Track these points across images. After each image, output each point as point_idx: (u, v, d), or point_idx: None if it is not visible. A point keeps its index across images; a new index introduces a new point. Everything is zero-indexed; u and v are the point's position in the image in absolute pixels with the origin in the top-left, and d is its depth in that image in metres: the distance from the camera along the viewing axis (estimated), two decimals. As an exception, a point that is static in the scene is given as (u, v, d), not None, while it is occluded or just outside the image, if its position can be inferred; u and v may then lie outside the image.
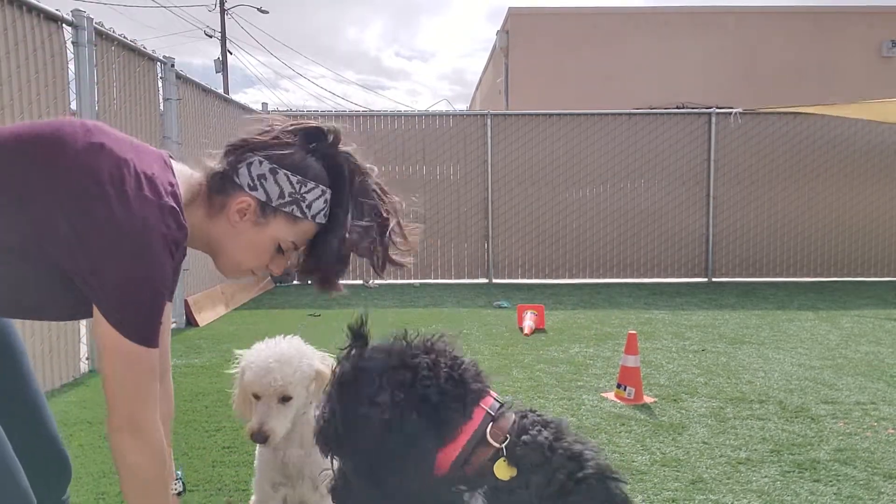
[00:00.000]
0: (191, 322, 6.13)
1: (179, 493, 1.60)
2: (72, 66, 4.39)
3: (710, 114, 9.43)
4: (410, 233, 1.47)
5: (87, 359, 4.57)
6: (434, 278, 9.61)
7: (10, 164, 1.19)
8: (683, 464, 2.89)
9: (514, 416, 1.33)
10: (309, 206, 1.35)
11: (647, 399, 3.81)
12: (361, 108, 11.12)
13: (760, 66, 14.06)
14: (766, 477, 2.75)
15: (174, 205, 1.24)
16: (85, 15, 4.47)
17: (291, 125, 1.39)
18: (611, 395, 3.88)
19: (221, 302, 6.99)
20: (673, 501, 2.53)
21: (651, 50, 14.14)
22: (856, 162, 9.48)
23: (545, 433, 1.26)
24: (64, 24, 4.30)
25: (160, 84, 5.85)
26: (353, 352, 1.30)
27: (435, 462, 1.23)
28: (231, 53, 27.13)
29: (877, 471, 2.80)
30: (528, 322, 5.79)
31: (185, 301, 6.10)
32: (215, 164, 1.38)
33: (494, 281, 9.54)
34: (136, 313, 1.18)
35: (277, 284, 9.26)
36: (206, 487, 2.64)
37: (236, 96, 35.77)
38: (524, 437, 1.26)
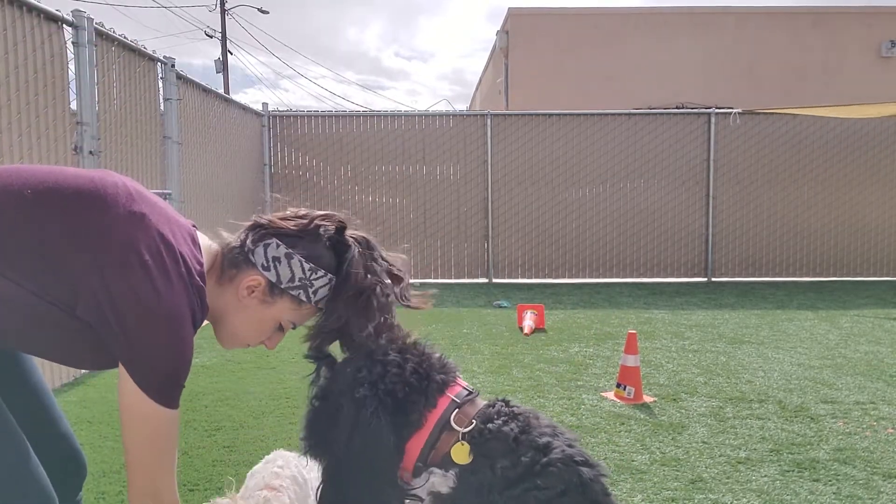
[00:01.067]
0: (191, 322, 6.13)
1: None
2: (72, 66, 4.39)
3: (709, 114, 9.43)
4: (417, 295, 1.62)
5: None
6: (434, 278, 9.61)
7: (47, 217, 1.21)
8: (683, 463, 2.89)
9: (482, 403, 1.39)
10: (315, 293, 1.42)
11: (647, 398, 3.81)
12: (362, 108, 11.12)
13: (760, 67, 14.06)
14: (765, 476, 2.76)
15: (202, 285, 1.31)
16: (85, 15, 4.47)
17: (308, 215, 1.47)
18: (610, 395, 3.88)
19: (221, 302, 6.98)
20: (672, 501, 2.53)
21: (651, 50, 14.14)
22: (855, 162, 9.49)
23: (511, 425, 1.31)
24: (64, 25, 4.30)
25: (160, 84, 5.85)
26: (322, 370, 1.42)
27: (397, 453, 1.30)
28: (231, 54, 27.12)
29: (876, 470, 2.80)
30: (528, 322, 5.80)
31: (185, 301, 6.10)
32: (233, 238, 1.45)
33: (494, 280, 9.54)
34: (162, 380, 1.24)
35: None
36: (207, 487, 2.65)
37: (236, 96, 35.78)
38: (489, 426, 1.31)
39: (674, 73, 13.98)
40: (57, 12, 4.16)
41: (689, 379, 4.26)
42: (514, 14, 14.56)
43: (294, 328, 1.48)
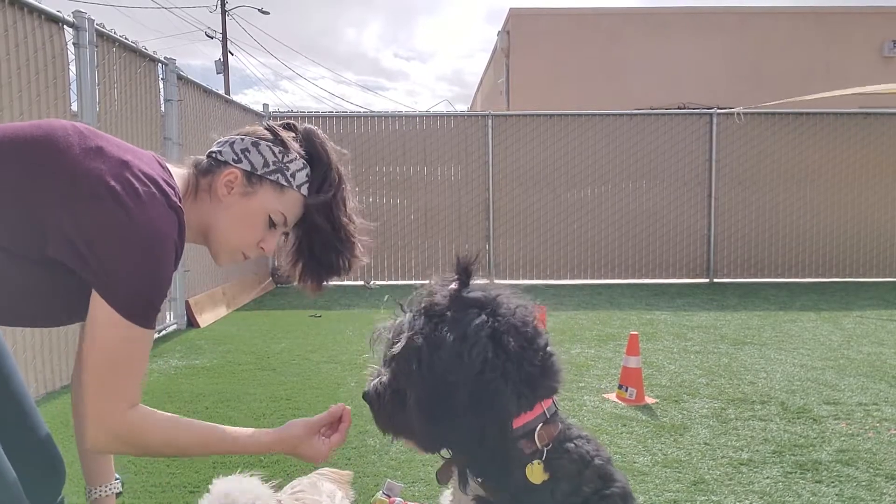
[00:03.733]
0: (191, 323, 6.13)
1: (118, 494, 1.65)
2: (73, 67, 4.39)
3: (711, 114, 9.42)
4: (363, 234, 1.51)
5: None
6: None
7: (4, 166, 1.21)
8: (685, 465, 2.88)
9: (560, 425, 1.32)
10: (293, 176, 1.40)
11: (649, 400, 3.80)
12: (362, 109, 11.12)
13: (761, 67, 14.04)
14: (767, 478, 2.74)
15: (179, 205, 1.28)
16: (86, 16, 4.48)
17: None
18: (612, 396, 3.87)
19: (222, 303, 6.99)
20: (674, 502, 2.52)
21: (652, 50, 14.13)
22: (857, 162, 9.47)
23: (588, 447, 1.26)
24: (65, 26, 4.30)
25: (161, 85, 5.86)
26: (456, 284, 1.30)
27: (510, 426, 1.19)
28: (233, 54, 27.15)
29: (879, 472, 2.79)
30: (530, 323, 5.78)
31: (186, 302, 6.10)
32: (200, 156, 1.45)
33: (495, 281, 9.51)
34: (142, 303, 1.21)
35: (278, 285, 9.27)
36: (207, 488, 2.64)
37: (236, 97, 35.77)
38: (567, 445, 1.25)
39: (675, 73, 13.97)
40: (58, 13, 4.16)
41: (691, 380, 4.24)
42: (515, 15, 14.56)
43: (286, 224, 1.44)
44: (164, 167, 1.35)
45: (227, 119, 7.58)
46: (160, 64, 5.79)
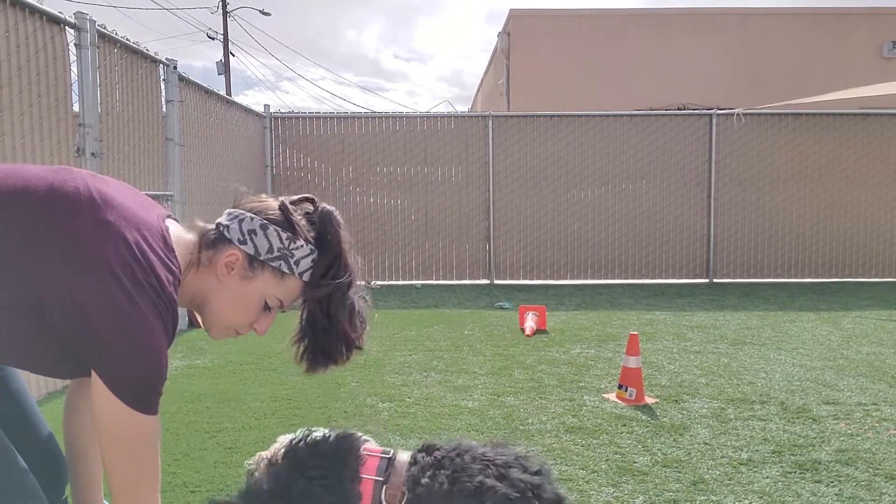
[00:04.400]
0: (193, 323, 6.14)
1: None
2: (74, 68, 4.40)
3: (711, 115, 9.44)
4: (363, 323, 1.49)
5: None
6: (435, 279, 9.61)
7: (9, 226, 1.17)
8: (685, 464, 2.89)
9: (404, 461, 1.29)
10: (297, 263, 1.37)
11: (649, 400, 3.81)
12: (363, 110, 11.14)
13: (761, 67, 14.05)
14: (767, 478, 2.75)
15: (173, 296, 1.26)
16: (87, 17, 4.49)
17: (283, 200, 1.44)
18: (612, 396, 3.88)
19: (223, 303, 6.99)
20: (674, 502, 2.53)
21: (652, 51, 14.13)
22: (857, 163, 9.48)
23: (441, 476, 1.24)
24: (66, 27, 4.31)
25: (162, 86, 5.87)
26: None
27: None
28: (234, 55, 27.16)
29: (878, 472, 2.80)
30: (530, 323, 5.80)
31: (187, 302, 6.10)
32: (209, 225, 1.41)
33: (496, 282, 9.54)
34: (138, 385, 1.20)
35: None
36: (208, 488, 2.65)
37: (237, 98, 35.80)
38: (418, 490, 1.24)
39: (675, 74, 13.98)
40: (59, 14, 4.17)
41: (690, 380, 4.25)
42: (515, 15, 14.56)
43: (282, 309, 1.44)
44: (168, 246, 1.30)
45: (228, 120, 7.59)
46: (161, 65, 5.81)
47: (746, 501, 2.54)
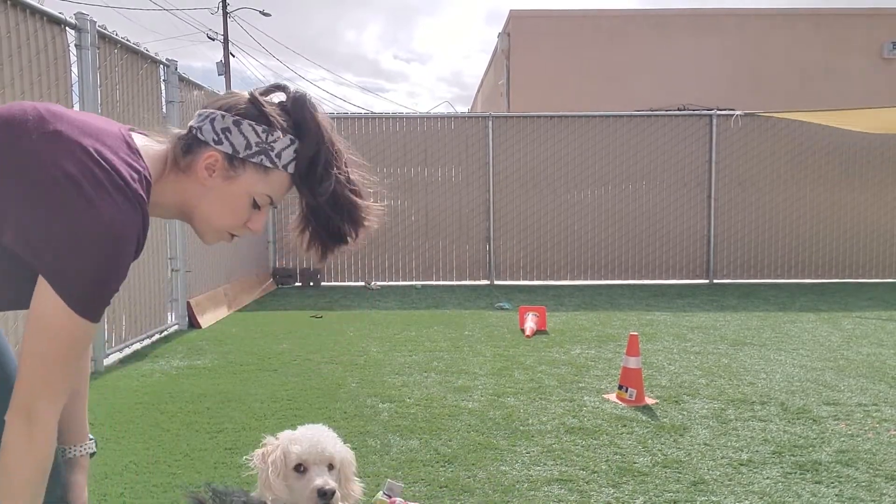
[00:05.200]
0: (193, 324, 6.14)
1: (92, 454, 1.60)
2: (75, 68, 4.40)
3: (710, 116, 9.44)
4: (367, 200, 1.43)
5: (90, 360, 4.58)
6: (435, 280, 9.62)
7: None
8: (685, 465, 2.89)
9: None
10: (279, 156, 1.32)
11: (649, 400, 3.81)
12: (363, 111, 11.13)
13: (761, 68, 14.05)
14: (767, 478, 2.75)
15: (141, 193, 1.21)
16: (88, 18, 4.49)
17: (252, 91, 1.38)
18: (612, 397, 3.88)
19: (224, 304, 7.00)
20: (674, 503, 2.53)
21: (652, 52, 14.14)
22: (857, 163, 9.49)
23: None
24: (67, 27, 4.31)
25: (163, 87, 5.87)
26: None
27: None
28: (234, 56, 27.18)
29: (878, 472, 2.80)
30: (530, 324, 5.80)
31: (188, 303, 6.11)
32: (181, 130, 1.36)
33: (496, 282, 9.54)
34: (95, 297, 1.16)
35: (279, 286, 9.28)
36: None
37: (238, 98, 35.65)
38: None
39: (675, 74, 13.98)
40: (60, 15, 4.18)
41: (690, 381, 4.25)
42: (515, 16, 14.57)
43: (273, 205, 1.37)
44: (132, 149, 1.26)
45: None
46: (162, 65, 5.81)
47: (746, 502, 2.54)
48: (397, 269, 9.65)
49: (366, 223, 1.41)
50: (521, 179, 9.48)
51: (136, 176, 1.21)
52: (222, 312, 6.82)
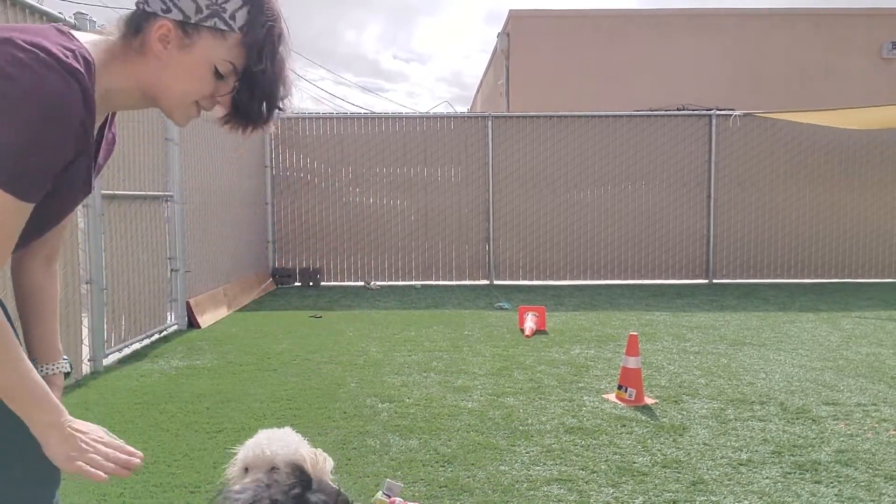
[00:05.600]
0: (192, 324, 6.14)
1: (67, 374, 1.59)
2: (74, 68, 4.40)
3: (710, 115, 9.45)
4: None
5: (90, 360, 4.59)
6: (435, 280, 9.62)
7: None
8: (684, 465, 2.89)
9: None
10: (233, 17, 1.27)
11: (648, 400, 3.81)
12: (363, 111, 11.13)
13: (761, 68, 14.06)
14: (767, 478, 2.75)
15: (77, 67, 1.17)
16: (87, 18, 4.49)
17: None
18: (612, 397, 3.88)
19: (223, 304, 7.00)
20: (674, 503, 2.53)
21: (652, 52, 14.14)
22: (856, 163, 9.49)
23: None
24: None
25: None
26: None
27: None
28: (232, 56, 27.12)
29: (878, 472, 2.80)
30: (530, 323, 5.80)
31: (187, 303, 6.11)
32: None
33: (495, 282, 9.54)
34: (13, 168, 1.12)
35: (279, 286, 9.28)
36: (208, 488, 2.65)
37: (238, 98, 35.61)
38: None
39: (675, 74, 13.98)
40: (59, 15, 4.18)
41: (690, 381, 4.25)
42: (514, 16, 14.57)
43: (236, 71, 1.31)
44: (64, 33, 1.23)
45: (227, 120, 7.58)
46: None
47: (746, 502, 2.54)
48: (397, 269, 9.65)
49: (279, 107, 1.37)
50: (521, 179, 9.48)
51: (68, 53, 1.17)
52: (222, 312, 6.82)
